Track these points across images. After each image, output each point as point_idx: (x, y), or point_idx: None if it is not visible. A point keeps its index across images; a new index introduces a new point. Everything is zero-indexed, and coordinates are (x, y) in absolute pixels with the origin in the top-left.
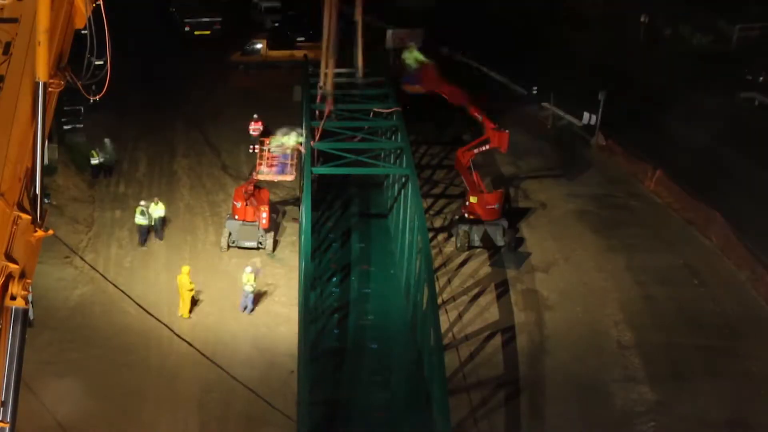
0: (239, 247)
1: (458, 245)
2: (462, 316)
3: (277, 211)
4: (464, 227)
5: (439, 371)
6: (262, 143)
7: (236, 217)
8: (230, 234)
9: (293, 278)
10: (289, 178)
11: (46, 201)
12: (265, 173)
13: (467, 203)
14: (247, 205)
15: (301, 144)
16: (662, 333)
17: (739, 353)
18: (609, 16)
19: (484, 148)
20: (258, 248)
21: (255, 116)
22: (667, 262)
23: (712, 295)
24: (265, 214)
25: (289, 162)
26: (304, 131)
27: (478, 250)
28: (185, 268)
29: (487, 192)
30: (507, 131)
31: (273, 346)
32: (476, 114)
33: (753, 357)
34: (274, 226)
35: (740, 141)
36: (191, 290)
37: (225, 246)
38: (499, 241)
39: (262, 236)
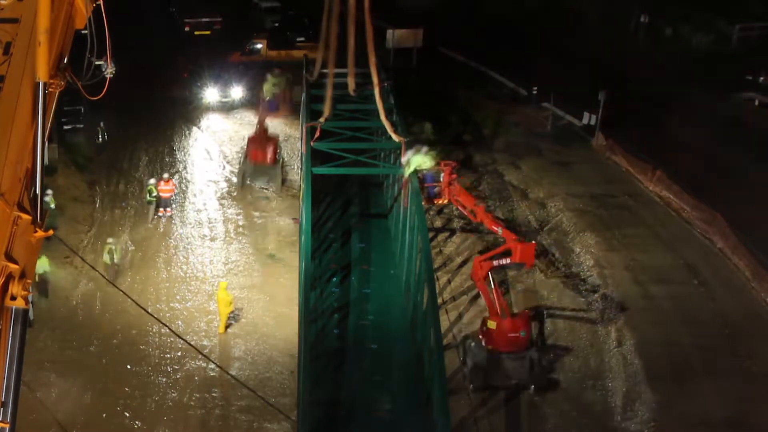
0: (252, 185)
1: (471, 383)
2: (462, 316)
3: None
4: (478, 358)
5: (439, 371)
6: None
7: (249, 158)
8: (244, 174)
9: (293, 278)
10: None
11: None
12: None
13: (485, 328)
14: (258, 149)
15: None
16: (662, 332)
17: (739, 353)
18: (609, 15)
19: (504, 261)
20: (268, 187)
21: (165, 176)
22: (667, 261)
23: (712, 295)
24: (270, 149)
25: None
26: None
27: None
28: (223, 284)
29: (510, 315)
30: (533, 243)
31: (273, 345)
32: (494, 227)
33: (753, 357)
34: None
35: (740, 141)
36: (230, 304)
37: (240, 184)
38: (525, 378)
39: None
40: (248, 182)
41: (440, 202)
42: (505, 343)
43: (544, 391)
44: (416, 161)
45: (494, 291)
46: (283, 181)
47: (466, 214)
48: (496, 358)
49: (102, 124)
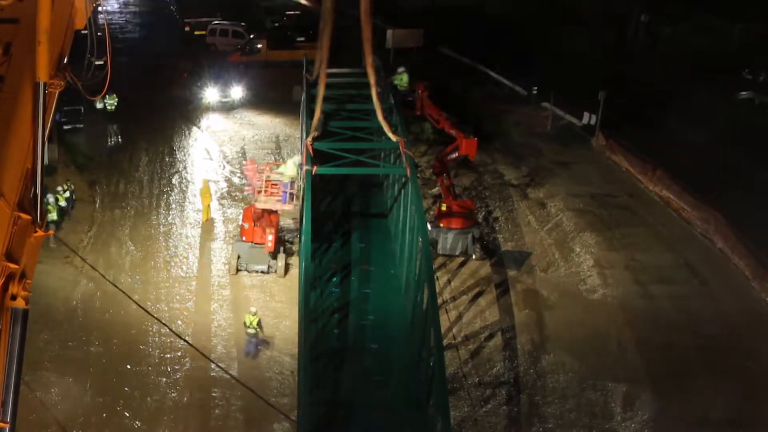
0: (248, 271)
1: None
2: (462, 316)
3: (283, 237)
4: (433, 235)
5: (439, 371)
6: (262, 171)
7: (244, 238)
8: (239, 257)
9: (293, 277)
10: (288, 207)
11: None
12: (263, 201)
13: (440, 210)
14: (255, 226)
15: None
16: (662, 332)
17: (739, 352)
18: (609, 15)
19: (454, 156)
20: (268, 272)
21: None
22: (667, 261)
23: (712, 295)
24: (271, 237)
25: (288, 191)
26: (302, 131)
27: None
28: (205, 180)
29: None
30: (476, 138)
31: (273, 345)
32: (450, 130)
33: (753, 356)
34: (286, 250)
35: (740, 140)
36: (210, 196)
37: (234, 269)
38: (470, 249)
39: (272, 260)
40: (243, 267)
41: (417, 114)
42: (454, 222)
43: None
44: (397, 79)
45: (448, 181)
46: (287, 267)
47: (432, 123)
48: (446, 234)
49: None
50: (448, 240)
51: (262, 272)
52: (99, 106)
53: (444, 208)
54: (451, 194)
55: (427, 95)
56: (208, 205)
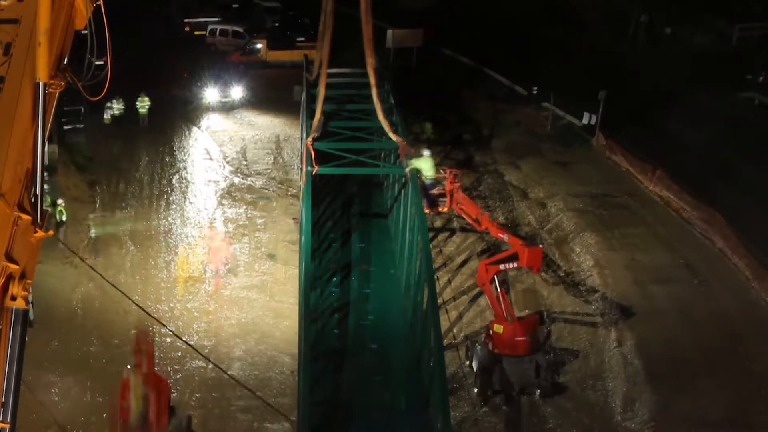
0: None
1: (477, 388)
2: (462, 316)
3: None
4: (485, 362)
5: (440, 371)
6: None
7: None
8: None
9: (293, 277)
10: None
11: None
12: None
13: (491, 332)
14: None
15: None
16: (662, 332)
17: (739, 353)
18: (609, 15)
19: (511, 266)
20: None
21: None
22: (666, 261)
23: (712, 295)
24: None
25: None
26: (302, 132)
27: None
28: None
29: (517, 319)
30: (540, 247)
31: (273, 345)
32: (500, 234)
33: (753, 356)
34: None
35: (740, 141)
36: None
37: None
38: (531, 383)
39: None
40: None
41: (443, 210)
42: (511, 347)
43: (550, 396)
44: (418, 166)
45: (500, 294)
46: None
47: (470, 222)
48: (502, 363)
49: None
50: (503, 370)
51: None
52: (107, 116)
53: (499, 329)
54: (503, 310)
55: (459, 186)
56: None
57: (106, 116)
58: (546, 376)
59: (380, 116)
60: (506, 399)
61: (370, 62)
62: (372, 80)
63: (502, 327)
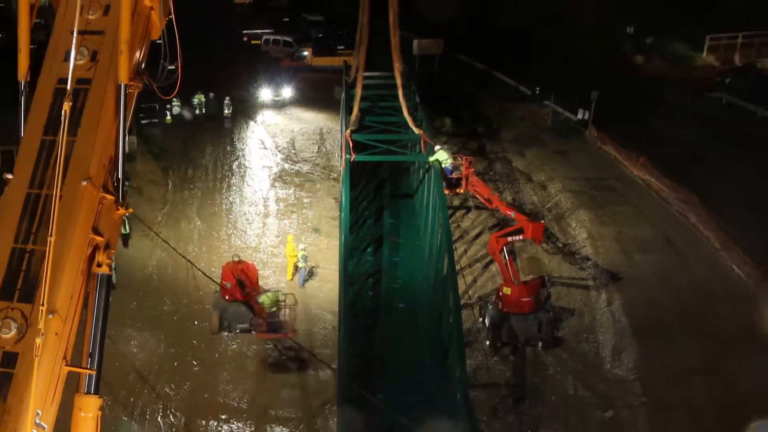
0: (230, 331)
1: (488, 341)
2: (476, 280)
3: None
4: (495, 320)
5: (457, 327)
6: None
7: (226, 297)
8: (221, 316)
9: (334, 247)
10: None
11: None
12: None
13: (500, 294)
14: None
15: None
16: (645, 295)
17: (710, 312)
18: (600, 26)
19: (517, 238)
20: (251, 331)
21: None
22: (649, 234)
23: (687, 263)
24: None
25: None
26: (342, 125)
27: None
28: (290, 237)
29: (522, 283)
30: (542, 222)
31: (317, 305)
32: (508, 212)
33: (722, 316)
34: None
35: (711, 133)
36: (294, 256)
37: (217, 329)
38: (534, 337)
39: (253, 317)
40: (226, 326)
41: (460, 191)
42: (517, 307)
43: (550, 348)
44: (438, 156)
45: (508, 262)
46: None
47: (482, 201)
48: (510, 320)
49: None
50: (511, 326)
51: (244, 331)
52: (168, 116)
53: (507, 291)
54: (511, 275)
55: (473, 170)
56: (294, 264)
57: (168, 116)
58: (547, 330)
59: (405, 112)
60: (513, 350)
61: (398, 67)
62: (399, 82)
63: (510, 289)
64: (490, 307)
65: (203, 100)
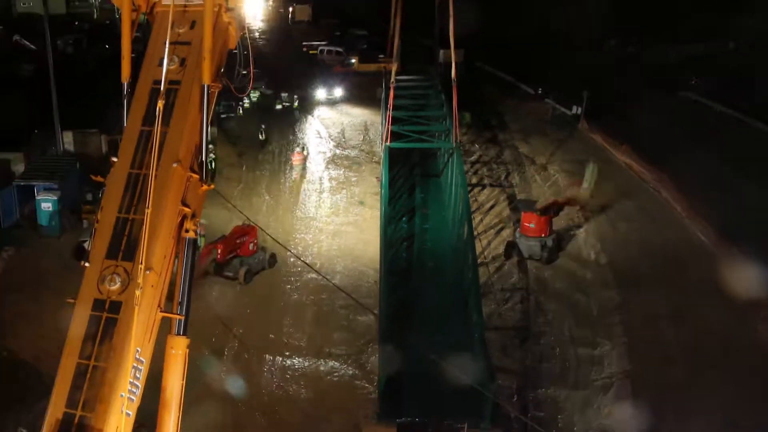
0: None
1: (504, 255)
2: (490, 243)
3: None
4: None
5: (474, 282)
6: None
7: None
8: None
9: (376, 217)
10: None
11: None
12: None
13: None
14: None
15: None
16: (626, 255)
17: (677, 266)
18: (589, 39)
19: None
20: (234, 278)
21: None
22: (629, 207)
23: (659, 228)
24: (219, 250)
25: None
26: (383, 118)
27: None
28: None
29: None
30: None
31: (363, 263)
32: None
33: (687, 269)
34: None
35: (681, 125)
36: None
37: (202, 273)
38: (538, 254)
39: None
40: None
41: None
42: (530, 231)
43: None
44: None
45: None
46: (246, 275)
47: None
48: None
49: (255, 116)
50: (525, 245)
51: (229, 278)
52: (246, 101)
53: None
54: (539, 215)
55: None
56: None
57: (240, 110)
58: (546, 251)
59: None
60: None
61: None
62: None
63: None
64: (517, 233)
65: (283, 95)
